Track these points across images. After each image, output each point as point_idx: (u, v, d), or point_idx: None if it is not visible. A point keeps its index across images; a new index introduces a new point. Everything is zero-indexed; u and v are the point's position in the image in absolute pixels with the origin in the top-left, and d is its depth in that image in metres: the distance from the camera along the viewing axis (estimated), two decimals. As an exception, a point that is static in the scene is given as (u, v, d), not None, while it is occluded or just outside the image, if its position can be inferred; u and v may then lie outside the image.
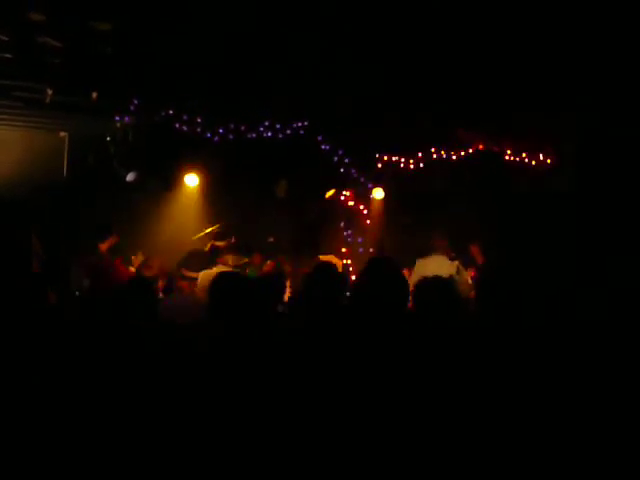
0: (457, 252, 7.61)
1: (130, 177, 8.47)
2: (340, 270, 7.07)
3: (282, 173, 9.51)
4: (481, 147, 9.27)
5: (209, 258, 7.47)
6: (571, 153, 8.94)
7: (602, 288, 4.60)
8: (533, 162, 9.24)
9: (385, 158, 9.34)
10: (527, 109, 8.21)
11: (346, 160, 9.17)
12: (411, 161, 9.34)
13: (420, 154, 9.33)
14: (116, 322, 3.61)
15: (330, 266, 4.09)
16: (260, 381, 2.91)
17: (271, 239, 9.46)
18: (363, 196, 9.38)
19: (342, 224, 9.33)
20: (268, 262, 8.09)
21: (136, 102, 8.01)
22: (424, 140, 9.21)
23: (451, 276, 6.67)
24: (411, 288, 3.61)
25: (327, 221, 9.50)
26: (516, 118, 8.40)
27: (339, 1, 6.35)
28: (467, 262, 7.62)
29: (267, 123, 8.77)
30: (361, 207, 9.34)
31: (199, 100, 8.23)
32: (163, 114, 8.28)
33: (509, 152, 9.24)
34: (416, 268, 7.15)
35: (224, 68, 7.51)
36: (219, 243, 8.02)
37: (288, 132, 8.84)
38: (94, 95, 7.43)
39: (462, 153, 9.29)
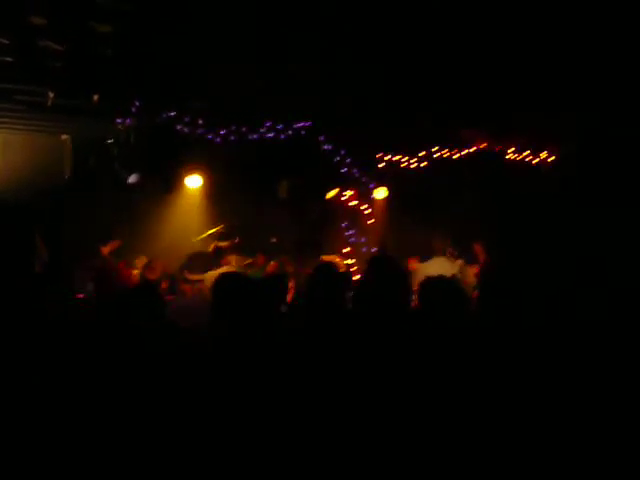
0: (460, 251, 7.63)
1: (132, 179, 8.48)
2: (343, 270, 7.08)
3: (284, 174, 9.52)
4: (483, 146, 9.28)
5: (212, 259, 7.48)
6: (571, 153, 8.98)
7: (602, 288, 4.60)
8: (535, 161, 9.25)
9: (387, 158, 9.35)
10: (527, 109, 8.21)
11: (348, 160, 9.17)
12: (413, 161, 9.34)
13: (422, 153, 9.33)
14: (120, 325, 3.62)
15: (332, 266, 4.09)
16: (263, 382, 2.91)
17: (273, 240, 9.47)
18: (365, 196, 9.38)
19: (344, 224, 9.33)
20: (272, 263, 8.09)
21: (137, 104, 8.02)
22: (426, 139, 9.22)
23: (454, 276, 6.68)
24: (415, 288, 3.62)
25: (329, 221, 9.50)
26: (517, 117, 8.39)
27: (339, 1, 6.35)
28: (470, 261, 7.63)
29: (269, 124, 8.77)
30: (363, 207, 9.34)
31: (200, 101, 8.24)
32: (164, 116, 8.28)
33: (511, 151, 9.25)
34: (418, 273, 7.15)
35: (225, 69, 7.50)
36: (222, 244, 8.03)
37: (290, 133, 8.85)
38: (95, 98, 7.43)
39: (464, 152, 9.29)
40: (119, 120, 8.12)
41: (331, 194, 9.28)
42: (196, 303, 5.86)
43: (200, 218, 9.03)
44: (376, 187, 9.42)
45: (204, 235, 8.48)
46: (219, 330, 3.38)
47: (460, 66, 7.42)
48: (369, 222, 9.35)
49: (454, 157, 9.34)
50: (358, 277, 7.66)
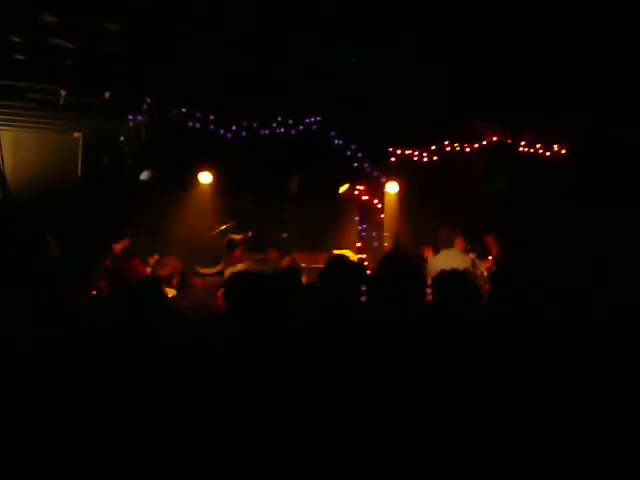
0: (472, 244, 7.61)
1: (144, 176, 8.52)
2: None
3: (295, 169, 9.51)
4: (495, 139, 9.24)
5: (222, 253, 7.46)
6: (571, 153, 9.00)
7: (615, 283, 4.58)
8: (547, 153, 9.21)
9: (398, 152, 9.33)
10: (527, 109, 8.21)
11: (359, 154, 9.15)
12: (425, 154, 9.32)
13: (433, 147, 9.31)
14: (131, 322, 3.62)
15: (344, 259, 4.08)
16: (275, 377, 2.91)
17: (285, 235, 9.46)
18: (377, 190, 9.36)
19: (356, 219, 9.32)
20: (286, 258, 8.07)
21: (149, 101, 8.05)
22: (437, 133, 9.20)
23: (466, 269, 6.65)
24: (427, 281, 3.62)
25: (341, 216, 9.49)
26: (528, 110, 8.37)
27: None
28: (482, 254, 7.61)
29: (280, 119, 8.77)
30: (375, 201, 9.32)
31: (211, 97, 8.25)
32: (176, 112, 8.31)
33: (523, 144, 9.21)
34: (428, 266, 7.14)
35: (236, 65, 7.51)
36: (236, 236, 8.04)
37: (301, 128, 8.85)
38: (107, 95, 7.47)
39: (476, 145, 9.26)
40: (131, 117, 8.16)
41: (343, 189, 9.26)
42: (207, 297, 5.83)
43: (212, 214, 9.03)
44: (387, 181, 9.40)
45: (217, 231, 8.48)
46: (232, 329, 3.39)
47: (472, 60, 7.40)
48: (381, 216, 9.33)
49: (467, 150, 9.31)
50: (370, 272, 7.63)
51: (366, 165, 9.21)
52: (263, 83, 7.85)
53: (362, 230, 9.26)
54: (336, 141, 9.07)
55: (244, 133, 8.63)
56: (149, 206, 8.66)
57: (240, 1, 6.34)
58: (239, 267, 6.88)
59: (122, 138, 8.32)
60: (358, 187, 9.27)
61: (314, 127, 8.88)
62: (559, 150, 9.19)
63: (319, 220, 9.42)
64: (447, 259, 6.66)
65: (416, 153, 9.32)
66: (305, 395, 2.82)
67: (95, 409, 2.89)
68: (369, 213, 9.36)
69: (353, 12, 6.48)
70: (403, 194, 9.46)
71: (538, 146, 9.20)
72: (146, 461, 2.76)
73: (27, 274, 5.53)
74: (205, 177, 9.15)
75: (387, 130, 8.83)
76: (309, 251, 8.91)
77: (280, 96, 8.25)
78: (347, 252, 8.32)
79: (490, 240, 7.62)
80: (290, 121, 8.78)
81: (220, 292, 4.15)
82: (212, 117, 8.48)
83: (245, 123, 8.59)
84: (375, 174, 9.30)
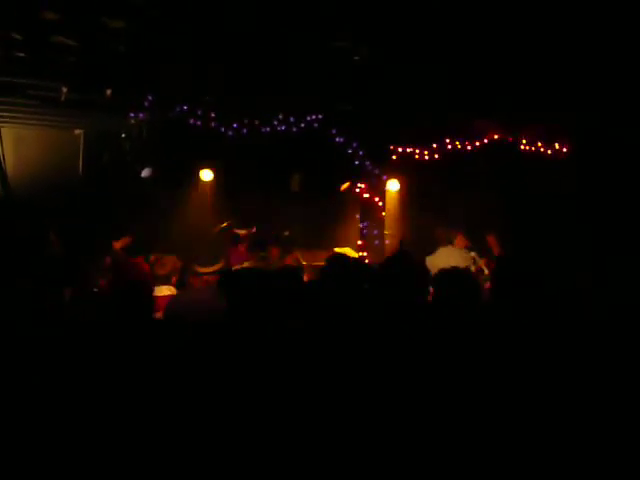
0: (473, 243, 7.60)
1: (145, 173, 8.53)
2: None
3: (296, 166, 9.52)
4: (496, 137, 9.24)
5: (222, 252, 7.46)
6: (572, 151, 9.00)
7: (617, 282, 4.58)
8: (549, 151, 9.21)
9: (399, 150, 9.33)
10: (528, 108, 8.22)
11: (360, 152, 9.16)
12: (426, 152, 9.32)
13: (435, 145, 9.31)
14: (128, 320, 3.62)
15: (344, 257, 4.07)
16: (278, 376, 2.91)
17: (286, 232, 9.47)
18: (378, 188, 9.37)
19: (357, 216, 9.33)
20: (289, 257, 8.08)
21: (150, 98, 8.05)
22: (438, 131, 9.20)
23: (467, 267, 6.65)
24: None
25: (342, 214, 9.50)
26: (529, 109, 8.38)
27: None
28: (483, 252, 7.61)
29: (281, 117, 8.77)
30: (376, 199, 9.33)
31: (213, 95, 8.26)
32: (177, 110, 8.31)
33: (524, 141, 9.21)
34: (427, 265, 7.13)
35: (237, 63, 7.52)
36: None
37: (302, 125, 8.85)
38: (108, 92, 7.48)
39: (477, 143, 9.26)
40: (132, 114, 8.17)
41: (344, 186, 9.27)
42: (204, 296, 5.83)
43: (213, 211, 9.03)
44: (389, 179, 9.41)
45: (220, 227, 8.49)
46: (232, 327, 3.39)
47: (473, 58, 7.41)
48: (382, 214, 9.34)
49: (468, 148, 9.31)
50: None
51: (367, 163, 9.22)
52: (264, 81, 7.86)
53: (363, 228, 9.26)
54: (337, 139, 9.08)
55: (245, 131, 8.63)
56: (150, 204, 8.66)
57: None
58: (245, 265, 6.90)
59: (123, 135, 8.34)
60: (359, 185, 9.28)
61: (315, 125, 8.89)
62: (560, 148, 9.19)
63: (320, 218, 9.43)
64: (447, 257, 6.66)
65: (417, 151, 9.32)
66: (305, 394, 2.82)
67: (95, 408, 2.89)
68: (370, 211, 9.37)
69: (353, 11, 6.49)
70: (404, 192, 9.47)
71: (539, 144, 9.20)
72: (148, 460, 2.76)
73: (28, 271, 5.54)
74: (206, 175, 9.16)
75: (388, 128, 8.84)
76: (310, 249, 8.92)
77: (281, 95, 8.27)
78: (348, 250, 8.33)
79: (491, 239, 7.62)
80: (291, 119, 8.78)
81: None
82: (213, 115, 8.48)
83: (246, 121, 8.60)
84: (376, 172, 9.30)
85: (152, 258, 7.16)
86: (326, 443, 2.68)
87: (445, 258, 6.66)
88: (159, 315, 4.90)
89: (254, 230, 8.24)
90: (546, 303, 3.26)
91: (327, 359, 2.96)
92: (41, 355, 3.14)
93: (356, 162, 9.17)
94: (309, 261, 8.28)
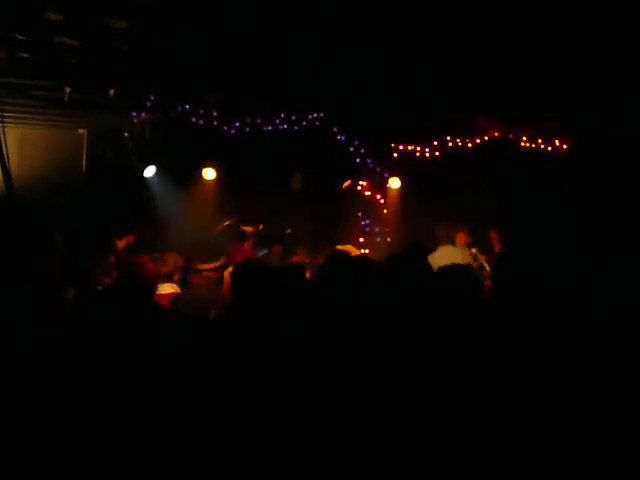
0: (474, 240, 7.63)
1: (148, 172, 8.57)
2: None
3: (298, 165, 9.55)
4: (496, 134, 9.26)
5: (222, 249, 7.49)
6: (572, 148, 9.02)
7: (617, 280, 4.59)
8: (549, 148, 9.23)
9: (401, 147, 9.36)
10: (528, 107, 8.24)
11: (362, 150, 9.19)
12: (427, 150, 9.35)
13: (436, 142, 9.34)
14: (132, 318, 3.63)
15: (344, 255, 4.07)
16: (278, 373, 2.93)
17: (289, 230, 9.51)
18: (379, 186, 9.40)
19: (359, 214, 9.36)
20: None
21: (152, 98, 8.08)
22: (439, 129, 9.22)
23: (468, 265, 6.66)
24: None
25: (344, 211, 9.53)
26: (528, 107, 8.39)
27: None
28: (484, 249, 7.64)
29: (283, 115, 8.80)
30: (378, 197, 9.36)
31: (215, 94, 8.29)
32: (179, 109, 8.35)
33: (524, 139, 9.23)
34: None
35: (239, 61, 7.55)
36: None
37: (304, 124, 8.88)
38: (111, 92, 7.50)
39: (477, 141, 9.29)
40: (135, 114, 8.20)
41: (346, 184, 9.30)
42: (204, 294, 5.86)
43: (216, 210, 9.07)
44: (390, 177, 9.44)
45: (222, 226, 8.52)
46: (236, 320, 3.41)
47: (473, 56, 7.43)
48: (384, 212, 9.37)
49: (468, 145, 9.34)
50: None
51: (369, 161, 9.25)
52: (266, 80, 7.88)
53: (365, 225, 9.29)
54: (339, 137, 9.11)
55: (247, 129, 8.66)
56: (152, 202, 8.71)
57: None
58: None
59: (126, 134, 8.36)
60: (361, 183, 9.31)
61: (317, 123, 8.92)
62: (560, 146, 9.20)
63: (322, 216, 9.46)
64: (447, 255, 6.68)
65: (418, 149, 9.35)
66: (304, 392, 2.84)
67: (97, 407, 2.90)
68: (372, 208, 9.40)
69: (353, 11, 6.52)
70: (406, 190, 9.50)
71: (540, 141, 9.22)
72: (149, 460, 2.78)
73: (31, 271, 5.56)
74: (209, 173, 9.20)
75: (389, 127, 8.86)
76: (312, 246, 8.95)
77: (283, 94, 8.29)
78: (349, 247, 8.34)
79: (493, 235, 7.64)
80: (293, 117, 8.81)
81: (227, 284, 4.16)
82: (215, 114, 8.51)
83: (248, 120, 8.63)
84: (378, 170, 9.33)
85: (155, 256, 7.20)
86: (328, 440, 2.70)
87: (446, 256, 6.68)
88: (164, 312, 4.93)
89: (261, 228, 8.28)
90: (545, 301, 3.24)
91: (326, 358, 2.97)
92: (42, 355, 3.12)
93: (357, 160, 9.20)
94: (311, 258, 8.31)
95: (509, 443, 2.63)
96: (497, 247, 7.56)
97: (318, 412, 2.78)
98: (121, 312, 3.69)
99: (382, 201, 9.36)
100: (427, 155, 9.36)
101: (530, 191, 8.81)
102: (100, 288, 6.80)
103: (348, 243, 8.67)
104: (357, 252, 8.41)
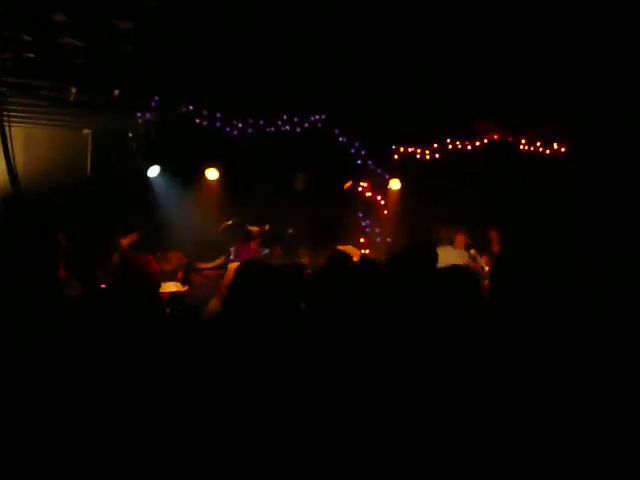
0: (474, 241, 7.68)
1: (152, 172, 8.63)
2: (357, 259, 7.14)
3: (300, 166, 9.61)
4: (496, 137, 9.32)
5: (222, 247, 7.53)
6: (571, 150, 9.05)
7: (617, 281, 4.60)
8: (548, 151, 9.28)
9: (401, 149, 9.42)
10: (527, 109, 8.28)
11: (363, 152, 9.25)
12: (427, 152, 9.41)
13: (436, 145, 9.40)
14: (134, 317, 3.63)
15: (345, 256, 4.09)
16: (278, 372, 2.92)
17: (290, 231, 9.55)
18: (380, 187, 9.46)
19: (360, 215, 9.41)
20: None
21: (157, 99, 8.15)
22: (439, 131, 9.28)
23: (467, 266, 6.71)
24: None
25: (345, 212, 9.59)
26: (528, 110, 8.43)
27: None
28: (483, 250, 7.69)
29: (285, 117, 8.87)
30: (378, 198, 9.42)
31: (218, 96, 8.34)
32: (183, 110, 8.41)
33: (524, 142, 9.28)
34: None
35: (242, 63, 7.60)
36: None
37: (306, 125, 8.95)
38: (116, 93, 7.56)
39: (477, 143, 9.34)
40: (139, 114, 8.25)
41: (347, 185, 9.36)
42: (205, 292, 5.88)
43: (218, 210, 9.11)
44: (391, 178, 9.50)
45: (224, 226, 8.57)
46: (235, 320, 3.39)
47: (473, 59, 7.47)
48: (384, 213, 9.43)
49: (468, 148, 9.39)
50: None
51: (370, 162, 9.31)
52: (268, 81, 7.94)
53: (366, 226, 9.35)
54: (340, 139, 9.17)
55: (250, 131, 8.73)
56: (156, 202, 8.76)
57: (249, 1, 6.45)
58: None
59: (131, 135, 8.41)
60: (362, 184, 9.37)
61: (319, 125, 8.98)
62: (559, 148, 9.25)
63: (323, 216, 9.51)
64: (446, 256, 6.73)
65: (419, 151, 9.41)
66: (304, 392, 2.83)
67: (99, 406, 2.89)
68: (373, 209, 9.46)
69: (354, 11, 6.56)
70: (406, 191, 9.55)
71: (538, 144, 9.27)
72: (150, 459, 2.76)
73: (35, 270, 5.61)
74: (212, 174, 9.25)
75: (390, 128, 8.92)
76: (313, 247, 8.99)
77: (285, 95, 8.35)
78: (350, 247, 8.39)
79: (494, 234, 7.68)
80: (295, 119, 8.88)
81: (228, 277, 4.14)
82: (219, 115, 8.58)
83: (251, 121, 8.69)
84: (378, 171, 9.40)
85: (159, 255, 7.25)
86: (328, 440, 2.70)
87: (445, 257, 6.74)
88: (167, 311, 4.97)
89: (267, 228, 8.32)
90: (545, 302, 3.21)
91: (326, 358, 2.98)
92: (44, 354, 3.13)
93: (359, 161, 9.27)
94: (312, 258, 8.36)
95: (509, 442, 2.63)
96: (496, 248, 7.61)
97: (318, 412, 2.78)
98: (125, 310, 3.69)
99: (383, 202, 9.42)
100: (427, 157, 9.41)
101: (530, 191, 8.85)
102: (104, 286, 6.86)
103: (349, 244, 8.74)
104: (358, 252, 8.48)
